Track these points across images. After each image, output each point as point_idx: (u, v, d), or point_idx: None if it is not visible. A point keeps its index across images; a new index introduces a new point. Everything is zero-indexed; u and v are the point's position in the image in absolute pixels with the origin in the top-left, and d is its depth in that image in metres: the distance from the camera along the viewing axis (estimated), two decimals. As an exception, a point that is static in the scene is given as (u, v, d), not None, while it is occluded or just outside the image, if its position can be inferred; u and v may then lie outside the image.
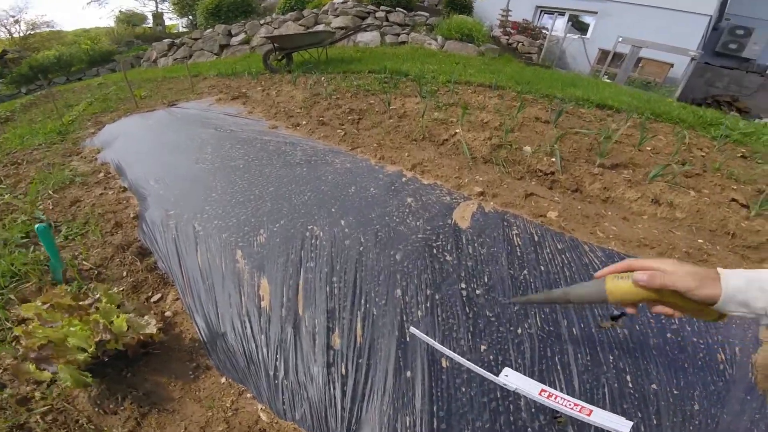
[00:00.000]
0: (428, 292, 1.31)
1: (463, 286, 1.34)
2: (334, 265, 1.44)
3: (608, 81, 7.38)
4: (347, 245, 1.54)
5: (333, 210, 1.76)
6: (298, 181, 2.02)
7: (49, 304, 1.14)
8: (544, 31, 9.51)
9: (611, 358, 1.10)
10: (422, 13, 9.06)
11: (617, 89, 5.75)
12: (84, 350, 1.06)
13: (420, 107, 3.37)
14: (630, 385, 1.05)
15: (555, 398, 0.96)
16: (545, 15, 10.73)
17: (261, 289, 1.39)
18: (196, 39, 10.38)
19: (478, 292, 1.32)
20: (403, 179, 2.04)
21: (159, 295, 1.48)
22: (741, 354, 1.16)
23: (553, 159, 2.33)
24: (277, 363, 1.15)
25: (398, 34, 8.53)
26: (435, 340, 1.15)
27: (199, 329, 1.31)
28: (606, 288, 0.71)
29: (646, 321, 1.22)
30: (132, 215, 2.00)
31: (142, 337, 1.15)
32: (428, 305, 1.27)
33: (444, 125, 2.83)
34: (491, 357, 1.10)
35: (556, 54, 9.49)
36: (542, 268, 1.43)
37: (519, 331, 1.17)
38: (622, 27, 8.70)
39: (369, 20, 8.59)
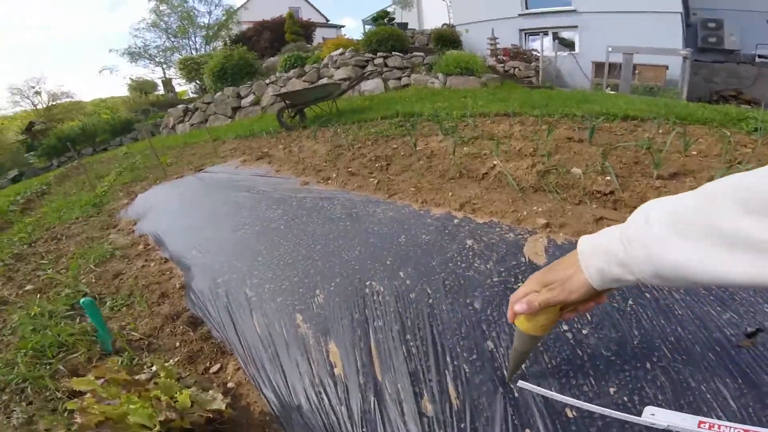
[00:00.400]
0: None
1: (565, 327, 1.19)
2: (405, 321, 1.30)
3: (613, 92, 7.38)
4: (413, 298, 1.40)
5: (388, 262, 1.64)
6: (344, 236, 1.93)
7: (104, 379, 1.05)
8: (534, 53, 9.75)
9: (766, 377, 0.94)
10: (418, 53, 9.45)
11: (628, 99, 5.72)
12: (147, 428, 0.95)
13: (444, 145, 3.34)
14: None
15: (719, 428, 0.79)
16: (530, 37, 11.07)
17: (331, 354, 1.26)
18: (208, 103, 10.90)
19: (585, 331, 1.16)
20: (455, 221, 1.93)
21: (218, 366, 1.38)
22: None
23: (608, 177, 2.21)
24: (365, 435, 1.00)
25: (399, 78, 8.84)
26: (550, 390, 0.98)
27: (268, 402, 1.18)
28: (521, 330, 0.72)
29: None
30: (178, 285, 1.96)
31: (210, 414, 1.04)
32: (532, 355, 1.10)
33: (478, 159, 2.76)
34: (625, 398, 0.95)
35: (553, 74, 9.65)
36: (648, 295, 1.27)
37: (648, 366, 1.02)
38: (605, 37, 8.84)
39: (369, 68, 8.96)
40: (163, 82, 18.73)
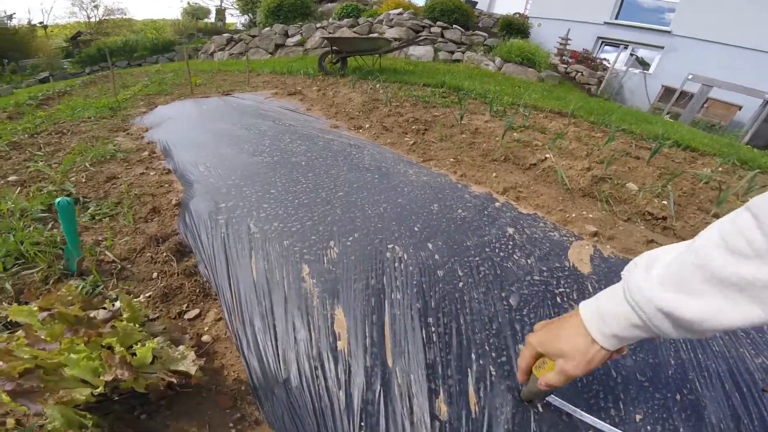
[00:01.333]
0: None
1: None
2: (428, 301, 1.11)
3: (670, 120, 6.90)
4: (441, 276, 1.21)
5: (416, 229, 1.44)
6: (369, 188, 1.73)
7: (48, 312, 0.80)
8: (604, 62, 9.15)
9: None
10: (480, 33, 8.89)
11: (689, 130, 5.32)
12: (87, 384, 0.73)
13: (491, 126, 3.06)
14: None
15: None
16: (606, 46, 10.41)
17: (336, 323, 1.04)
18: (253, 36, 10.62)
19: (624, 352, 0.99)
20: (496, 204, 1.71)
21: (197, 311, 1.10)
22: None
23: (665, 202, 1.96)
24: (362, 435, 0.81)
25: (453, 52, 8.35)
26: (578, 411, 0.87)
27: (249, 368, 0.93)
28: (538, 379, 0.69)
29: None
30: (174, 202, 1.69)
31: (174, 378, 0.79)
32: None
33: (528, 148, 2.50)
34: (649, 427, 0.85)
35: (615, 87, 9.11)
36: None
37: (678, 397, 0.92)
38: (688, 64, 8.25)
39: (424, 34, 8.47)
40: (216, 10, 18.56)
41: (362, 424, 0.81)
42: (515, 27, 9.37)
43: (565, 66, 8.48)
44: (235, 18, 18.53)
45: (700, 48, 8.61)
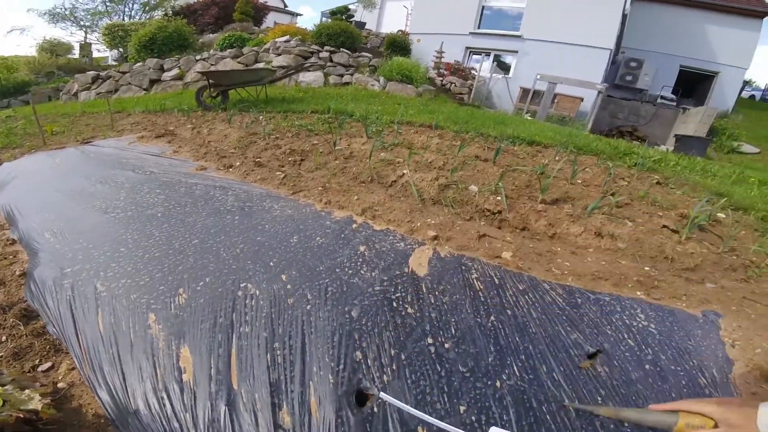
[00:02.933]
0: (393, 351, 1.16)
1: (430, 341, 1.21)
2: (275, 328, 1.23)
3: (530, 118, 8.01)
4: (291, 304, 1.33)
5: (271, 264, 1.54)
6: (228, 231, 1.78)
7: None
8: (473, 71, 10.31)
9: (599, 399, 1.05)
10: (366, 54, 9.40)
11: (541, 126, 6.23)
12: None
13: (366, 148, 3.31)
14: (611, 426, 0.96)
15: None
16: (474, 56, 11.69)
17: (182, 360, 1.15)
18: (124, 72, 9.71)
19: (447, 345, 1.20)
20: (354, 226, 1.89)
21: (49, 364, 1.26)
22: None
23: (499, 198, 2.35)
24: (211, 446, 0.92)
25: (342, 75, 8.71)
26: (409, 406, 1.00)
27: (103, 404, 1.08)
28: (677, 428, 0.71)
29: (623, 356, 1.19)
30: (18, 272, 1.72)
31: (22, 415, 0.95)
32: (394, 367, 1.11)
33: (391, 166, 2.77)
34: (473, 418, 0.99)
35: (484, 94, 10.30)
36: (509, 312, 1.36)
37: (498, 384, 1.07)
38: (538, 65, 9.66)
39: (312, 60, 8.69)
40: (81, 45, 16.76)
41: (210, 437, 0.91)
42: (398, 45, 10.14)
43: (441, 78, 9.43)
44: (103, 53, 16.78)
45: (545, 49, 10.06)
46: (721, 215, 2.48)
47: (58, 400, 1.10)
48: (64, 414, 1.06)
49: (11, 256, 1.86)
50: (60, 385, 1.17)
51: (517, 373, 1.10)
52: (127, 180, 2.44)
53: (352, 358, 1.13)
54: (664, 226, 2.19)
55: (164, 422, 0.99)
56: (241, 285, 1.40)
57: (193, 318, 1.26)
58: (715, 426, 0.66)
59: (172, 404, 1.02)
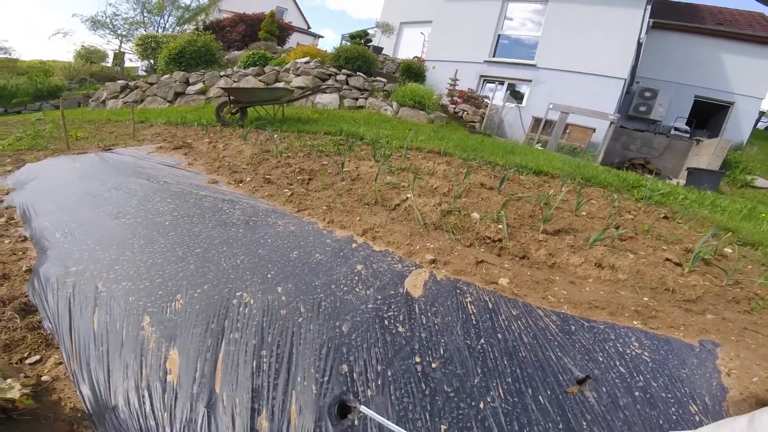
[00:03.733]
0: (379, 367, 1.18)
1: (418, 359, 1.23)
2: (265, 336, 1.26)
3: (541, 148, 7.96)
4: (283, 315, 1.36)
5: (269, 276, 1.58)
6: (231, 243, 1.83)
7: None
8: (486, 100, 10.46)
9: (584, 423, 1.05)
10: (381, 79, 9.68)
11: (549, 156, 6.25)
12: None
13: (373, 171, 3.39)
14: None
15: None
16: (487, 84, 11.85)
17: (169, 361, 1.19)
18: (151, 84, 10.17)
19: (434, 365, 1.21)
20: (353, 245, 1.93)
21: (37, 357, 1.30)
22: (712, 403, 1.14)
23: (500, 226, 2.37)
24: (185, 445, 0.95)
25: (357, 98, 8.97)
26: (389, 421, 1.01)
27: (83, 398, 1.12)
28: None
29: (612, 383, 1.18)
30: (24, 268, 1.79)
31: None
32: (379, 382, 1.13)
33: (396, 190, 2.83)
34: None
35: (496, 122, 10.38)
36: (499, 336, 1.37)
37: (481, 405, 1.07)
38: (552, 94, 9.57)
39: (330, 82, 8.99)
40: (114, 54, 17.57)
41: (185, 437, 0.94)
42: (413, 71, 10.43)
43: (454, 106, 9.62)
44: (135, 63, 17.58)
45: (559, 78, 10.02)
46: (727, 250, 2.46)
47: (38, 392, 1.13)
48: (41, 406, 1.09)
49: (20, 252, 1.94)
50: (44, 378, 1.21)
51: (502, 396, 1.11)
52: (141, 188, 2.54)
53: (338, 370, 1.15)
54: (668, 259, 2.19)
55: (141, 420, 1.02)
56: (237, 294, 1.45)
57: (186, 323, 1.30)
58: None
59: (152, 402, 1.06)
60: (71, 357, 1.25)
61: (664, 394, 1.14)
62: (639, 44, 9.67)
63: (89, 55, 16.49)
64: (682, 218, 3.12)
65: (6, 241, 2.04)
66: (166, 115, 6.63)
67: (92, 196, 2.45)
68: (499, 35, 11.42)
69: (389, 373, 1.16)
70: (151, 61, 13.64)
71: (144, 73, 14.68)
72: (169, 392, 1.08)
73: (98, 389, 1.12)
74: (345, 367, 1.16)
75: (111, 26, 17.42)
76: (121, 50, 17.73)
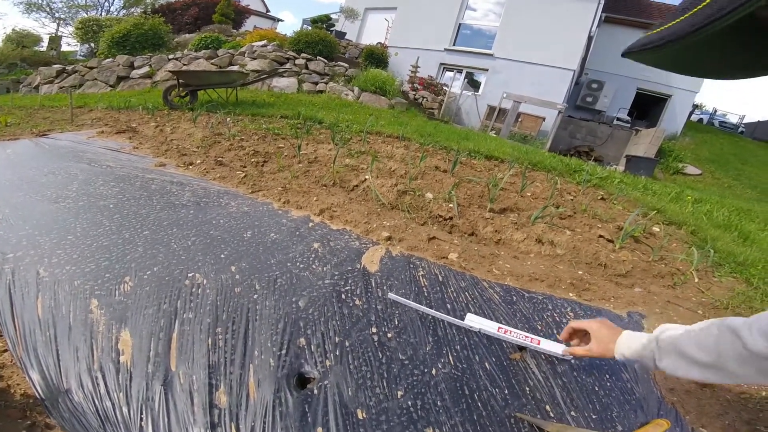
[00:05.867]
0: (337, 339, 1.22)
1: (374, 330, 1.29)
2: (219, 314, 1.27)
3: (494, 135, 8.21)
4: (237, 293, 1.37)
5: (222, 256, 1.58)
6: (181, 224, 1.80)
7: None
8: (445, 87, 10.65)
9: (527, 389, 1.12)
10: (342, 64, 9.52)
11: (501, 142, 6.49)
12: None
13: (331, 154, 3.40)
14: (551, 414, 1.06)
15: (511, 333, 1.22)
16: (447, 72, 12.04)
17: (121, 342, 1.17)
18: (91, 68, 9.37)
19: (389, 335, 1.28)
20: (310, 224, 1.96)
21: None
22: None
23: (451, 205, 2.50)
24: (143, 423, 0.96)
25: (317, 83, 8.80)
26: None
27: (34, 384, 1.08)
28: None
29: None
30: None
31: None
32: (337, 353, 1.17)
33: (354, 171, 2.87)
34: (409, 402, 1.06)
35: (453, 110, 10.62)
36: (449, 306, 1.47)
37: (434, 372, 1.14)
38: (506, 84, 9.98)
39: (288, 66, 8.73)
40: (50, 38, 16.21)
41: (142, 416, 0.96)
42: (376, 57, 10.37)
43: (414, 92, 9.73)
44: (73, 47, 16.16)
45: (514, 68, 10.44)
46: (655, 229, 2.71)
47: None
48: None
49: None
50: None
51: (452, 362, 1.17)
52: (81, 172, 2.39)
53: (296, 344, 1.19)
54: (601, 236, 2.36)
55: (96, 401, 1.01)
56: (189, 275, 1.43)
57: (137, 304, 1.28)
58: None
59: (106, 384, 1.04)
60: (17, 344, 1.20)
61: (598, 362, 1.22)
62: (590, 37, 10.20)
63: (21, 40, 15.34)
64: (616, 199, 3.40)
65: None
66: (108, 99, 6.16)
67: (27, 182, 2.27)
68: (460, 24, 11.59)
69: (347, 344, 1.21)
70: (92, 45, 12.68)
71: (83, 58, 13.56)
72: (123, 373, 1.07)
73: (49, 374, 1.09)
74: (302, 340, 1.20)
75: (48, 9, 16.07)
76: (58, 34, 16.45)
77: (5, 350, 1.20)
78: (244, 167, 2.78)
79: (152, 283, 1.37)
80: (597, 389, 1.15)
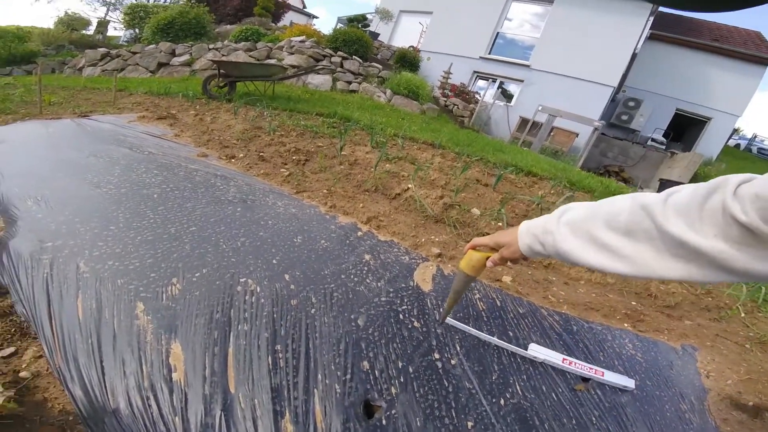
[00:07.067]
0: (400, 364, 1.13)
1: (437, 356, 1.19)
2: (278, 329, 1.16)
3: (525, 149, 8.03)
4: (294, 305, 1.27)
5: (274, 262, 1.47)
6: (229, 222, 1.71)
7: None
8: (477, 95, 10.45)
9: (593, 420, 1.09)
10: (376, 65, 9.45)
11: (535, 157, 6.30)
12: None
13: (370, 156, 3.30)
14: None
15: (574, 364, 1.16)
16: (480, 80, 11.84)
17: (172, 356, 1.05)
18: (135, 53, 9.56)
19: (453, 362, 1.19)
20: (358, 233, 1.85)
21: (12, 349, 1.10)
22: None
23: (500, 224, 2.36)
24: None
25: (350, 82, 8.74)
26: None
27: (75, 399, 0.95)
28: (461, 270, 0.86)
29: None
30: None
31: None
32: (402, 380, 1.08)
33: (396, 179, 2.75)
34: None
35: (484, 119, 10.40)
36: (510, 333, 1.38)
37: (502, 402, 1.08)
38: (541, 96, 9.65)
39: (324, 63, 8.71)
40: (98, 22, 16.74)
41: (202, 446, 0.83)
42: (408, 60, 10.26)
43: (445, 99, 9.55)
44: (118, 32, 16.69)
45: (551, 80, 10.08)
46: None
47: (18, 391, 0.96)
48: (25, 409, 0.94)
49: None
50: (22, 374, 1.03)
51: (520, 393, 1.12)
52: (123, 157, 2.34)
53: (360, 367, 1.09)
54: None
55: (149, 424, 0.89)
56: (241, 280, 1.34)
57: (186, 311, 1.18)
58: (493, 250, 0.84)
59: (159, 405, 0.92)
60: (54, 350, 1.08)
61: (658, 393, 1.21)
62: (634, 54, 9.83)
63: (71, 22, 15.74)
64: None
65: (-34, 207, 1.77)
66: (148, 84, 6.22)
67: (68, 163, 2.23)
68: (497, 33, 11.38)
69: (411, 370, 1.11)
70: (136, 30, 12.98)
71: (125, 43, 13.96)
72: (177, 393, 0.95)
73: (92, 389, 0.97)
74: (366, 364, 1.10)
75: (102, -8, 16.68)
76: (107, 19, 16.92)
77: (40, 356, 1.07)
78: (286, 164, 2.69)
79: (202, 287, 1.27)
80: (659, 419, 1.15)
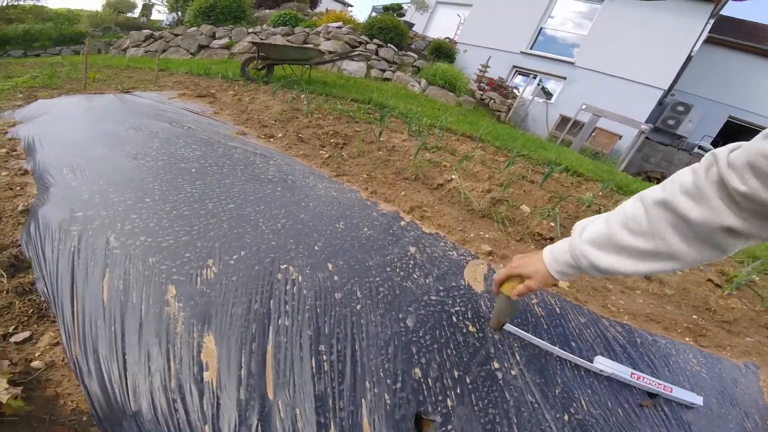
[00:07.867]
0: (456, 373, 0.99)
1: (496, 365, 1.05)
2: (321, 326, 1.03)
3: (565, 148, 7.66)
4: (339, 300, 1.14)
5: (316, 248, 1.35)
6: (268, 201, 1.60)
7: None
8: (515, 90, 10.05)
9: None
10: (411, 54, 9.26)
11: (578, 156, 5.99)
12: None
13: (407, 145, 3.14)
14: None
15: (644, 380, 1.11)
16: (518, 75, 11.40)
17: (204, 352, 0.91)
18: (177, 35, 9.86)
19: (513, 372, 1.05)
20: (402, 223, 1.71)
21: (27, 334, 0.94)
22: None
23: (552, 224, 2.16)
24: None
25: (384, 70, 8.58)
26: None
27: (90, 397, 0.80)
28: (504, 294, 0.93)
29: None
30: (21, 208, 1.43)
31: None
32: (458, 391, 0.95)
33: (437, 168, 2.59)
34: None
35: (521, 115, 10.01)
36: (573, 344, 1.24)
37: (567, 417, 0.96)
38: (583, 95, 9.17)
39: (360, 50, 8.58)
40: (144, 5, 17.46)
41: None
42: (443, 51, 9.98)
43: (482, 92, 9.22)
44: (161, 15, 17.35)
45: (595, 79, 9.60)
46: (755, 277, 2.34)
47: (27, 384, 0.82)
48: (31, 401, 0.80)
49: (18, 188, 1.61)
50: (35, 364, 0.89)
51: (585, 408, 1.02)
52: (163, 131, 2.29)
53: (411, 375, 0.95)
54: (709, 280, 2.14)
55: (173, 431, 0.77)
56: (282, 266, 1.22)
57: (222, 299, 1.05)
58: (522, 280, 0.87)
59: (186, 410, 0.79)
60: (72, 338, 0.93)
61: (722, 411, 1.15)
62: (689, 57, 9.15)
63: (118, 5, 16.41)
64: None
65: (3, 173, 1.72)
66: (189, 65, 6.30)
67: (108, 135, 2.19)
68: (541, 28, 10.90)
69: (467, 380, 0.97)
70: (179, 13, 13.37)
71: (168, 26, 14.40)
72: (208, 396, 0.81)
73: (111, 387, 0.83)
74: (418, 371, 0.96)
75: (148, -23, 17.29)
76: (151, 2, 17.56)
77: (57, 343, 0.93)
78: (324, 147, 2.58)
79: (239, 272, 1.16)
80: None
